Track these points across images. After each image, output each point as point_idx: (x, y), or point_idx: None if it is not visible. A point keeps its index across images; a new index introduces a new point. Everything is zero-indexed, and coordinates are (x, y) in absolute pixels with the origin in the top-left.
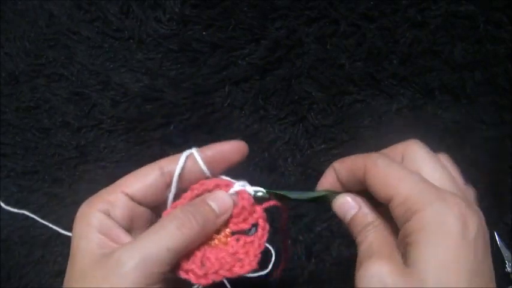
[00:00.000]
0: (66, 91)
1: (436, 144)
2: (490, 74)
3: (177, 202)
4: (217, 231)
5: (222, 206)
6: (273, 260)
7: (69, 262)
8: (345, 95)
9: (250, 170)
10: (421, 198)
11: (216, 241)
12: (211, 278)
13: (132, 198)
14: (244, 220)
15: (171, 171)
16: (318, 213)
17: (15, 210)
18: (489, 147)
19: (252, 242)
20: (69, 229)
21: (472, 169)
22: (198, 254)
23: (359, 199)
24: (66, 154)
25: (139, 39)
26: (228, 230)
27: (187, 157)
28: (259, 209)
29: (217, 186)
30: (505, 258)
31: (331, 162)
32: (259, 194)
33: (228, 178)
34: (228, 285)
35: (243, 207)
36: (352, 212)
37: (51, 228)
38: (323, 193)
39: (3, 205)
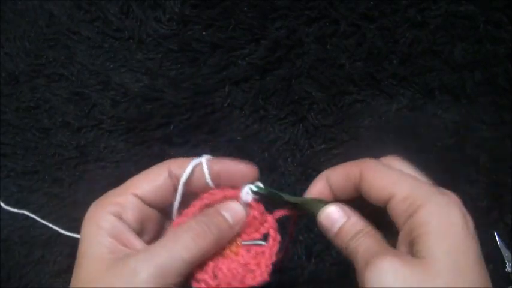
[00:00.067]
0: (66, 91)
1: (435, 144)
2: (490, 74)
3: (187, 210)
4: (229, 241)
5: (235, 216)
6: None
7: (76, 265)
8: (345, 95)
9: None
10: (423, 193)
11: (227, 251)
12: None
13: (142, 200)
14: (256, 230)
15: (178, 175)
16: None
17: (15, 210)
18: (489, 147)
19: (263, 252)
20: (69, 229)
21: (472, 169)
22: (211, 264)
23: (347, 209)
24: (66, 154)
25: (139, 39)
26: (239, 240)
27: (195, 166)
28: (270, 218)
29: (226, 198)
30: (505, 258)
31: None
32: (255, 188)
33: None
34: None
35: (254, 217)
36: (342, 220)
37: (51, 228)
38: (309, 199)
39: (3, 205)
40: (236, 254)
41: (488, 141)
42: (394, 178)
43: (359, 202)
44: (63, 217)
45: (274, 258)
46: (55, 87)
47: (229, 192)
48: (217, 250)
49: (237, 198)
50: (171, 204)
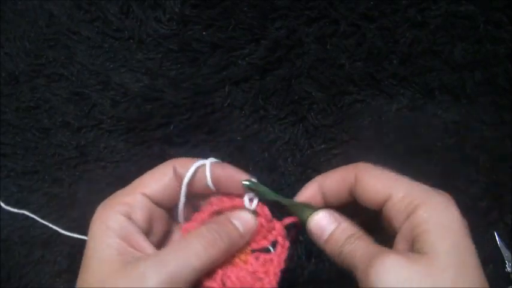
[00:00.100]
0: (66, 91)
1: (435, 144)
2: (490, 74)
3: (196, 215)
4: (238, 250)
5: (246, 226)
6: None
7: (84, 266)
8: (345, 95)
9: (250, 170)
10: (421, 193)
11: (236, 259)
12: None
13: (150, 199)
14: (264, 237)
15: (182, 174)
16: None
17: (15, 210)
18: (489, 147)
19: (271, 260)
20: (69, 229)
21: (472, 169)
22: (220, 272)
23: (337, 215)
24: (66, 154)
25: (139, 39)
26: (248, 248)
27: (198, 167)
28: (278, 226)
29: (235, 206)
30: (505, 258)
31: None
32: (247, 183)
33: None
34: None
35: (261, 224)
36: (332, 227)
37: (51, 228)
38: (298, 203)
39: (3, 205)
40: (245, 262)
41: (488, 141)
42: (390, 179)
43: (350, 209)
44: (63, 217)
45: (282, 266)
46: (55, 87)
47: (239, 200)
48: (227, 258)
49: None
50: (177, 205)
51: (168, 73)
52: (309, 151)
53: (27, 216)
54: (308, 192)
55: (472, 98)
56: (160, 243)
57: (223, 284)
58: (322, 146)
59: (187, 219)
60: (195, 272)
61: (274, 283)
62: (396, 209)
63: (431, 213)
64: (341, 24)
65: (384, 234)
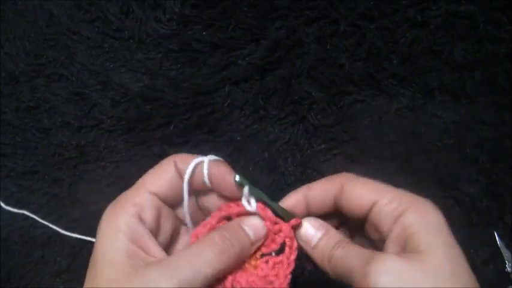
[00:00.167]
0: (66, 91)
1: (435, 144)
2: (490, 74)
3: (206, 221)
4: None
5: (257, 233)
6: None
7: (92, 269)
8: (345, 95)
9: (250, 170)
10: (406, 198)
11: (246, 265)
12: None
13: (158, 197)
14: (272, 241)
15: (183, 170)
16: None
17: (15, 210)
18: (489, 147)
19: (280, 262)
20: (69, 229)
21: (472, 169)
22: (230, 278)
23: (323, 222)
24: (66, 154)
25: (139, 39)
26: (258, 253)
27: (197, 163)
28: (285, 227)
29: (243, 212)
30: (505, 258)
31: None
32: (238, 178)
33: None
34: None
35: (268, 228)
36: (320, 233)
37: (51, 228)
38: (281, 208)
39: (3, 205)
40: (255, 267)
41: (488, 141)
42: (375, 186)
43: (331, 222)
44: (63, 217)
45: (292, 267)
46: (55, 87)
47: (243, 209)
48: (237, 264)
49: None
50: (182, 205)
51: (168, 73)
52: (309, 151)
53: (27, 216)
54: (291, 201)
55: (472, 98)
56: (168, 244)
57: None
58: (322, 146)
59: (194, 219)
60: (206, 279)
61: (285, 285)
62: (384, 213)
63: (420, 216)
64: (341, 24)
65: (366, 244)
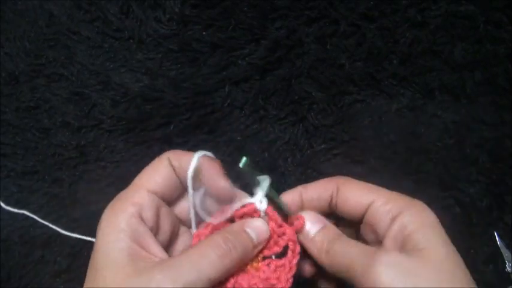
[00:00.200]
0: (66, 91)
1: (435, 144)
2: (490, 74)
3: (208, 222)
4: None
5: (260, 235)
6: None
7: (93, 269)
8: (345, 95)
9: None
10: (401, 199)
11: (248, 266)
12: None
13: (156, 194)
14: (275, 243)
15: (176, 166)
16: None
17: (15, 210)
18: (489, 147)
19: (283, 265)
20: (69, 229)
21: (472, 169)
22: (231, 280)
23: (322, 217)
24: (66, 154)
25: (139, 39)
26: (260, 255)
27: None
28: (289, 231)
29: (246, 213)
30: (505, 258)
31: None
32: (243, 162)
33: (244, 200)
34: None
35: (272, 230)
36: (318, 226)
37: (51, 228)
38: (280, 200)
39: (3, 205)
40: (257, 269)
41: (488, 141)
42: (371, 188)
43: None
44: (63, 217)
45: (294, 270)
46: (55, 87)
47: (249, 207)
48: (239, 266)
49: (256, 209)
50: (178, 198)
51: (168, 73)
52: (309, 151)
53: (27, 216)
54: (287, 200)
55: (472, 98)
56: (168, 243)
57: None
58: (322, 146)
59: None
60: (209, 282)
61: None
62: (380, 213)
63: (417, 216)
64: (341, 24)
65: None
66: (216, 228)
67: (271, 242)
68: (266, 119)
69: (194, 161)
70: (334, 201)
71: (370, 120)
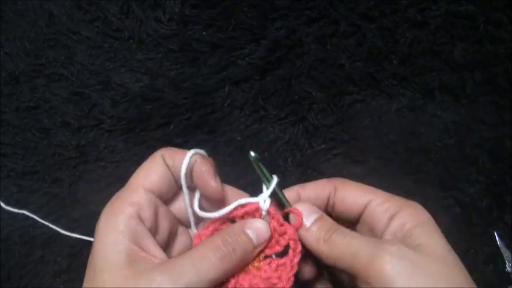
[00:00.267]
0: (66, 91)
1: (435, 144)
2: (490, 74)
3: (209, 223)
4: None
5: (260, 236)
6: None
7: (92, 271)
8: (345, 95)
9: (250, 169)
10: (397, 199)
11: (249, 266)
12: None
13: (153, 193)
14: (277, 242)
15: (170, 164)
16: None
17: (15, 210)
18: (489, 147)
19: (284, 264)
20: (69, 229)
21: (472, 169)
22: (232, 281)
23: (316, 208)
24: (66, 154)
25: (139, 39)
26: (261, 255)
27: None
28: (290, 230)
29: (247, 213)
30: (505, 258)
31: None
32: (253, 154)
33: (244, 199)
34: None
35: (274, 228)
36: (315, 215)
37: (51, 228)
38: (281, 192)
39: (3, 205)
40: (258, 269)
41: (488, 141)
42: (367, 189)
43: None
44: (63, 217)
45: (295, 269)
46: (55, 87)
47: (250, 206)
48: (241, 267)
49: (257, 209)
50: (174, 196)
51: (168, 73)
52: (309, 151)
53: (27, 216)
54: (291, 195)
55: (472, 98)
56: (166, 244)
57: None
58: (322, 146)
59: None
60: (209, 284)
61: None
62: (378, 212)
63: (415, 214)
64: (341, 24)
65: None
66: (217, 228)
67: (273, 241)
68: (266, 119)
69: (186, 160)
70: (331, 201)
71: (370, 120)
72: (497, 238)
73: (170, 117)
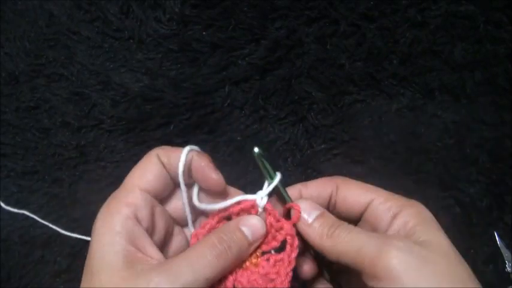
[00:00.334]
0: (66, 91)
1: (435, 144)
2: (490, 74)
3: (206, 221)
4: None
5: (255, 233)
6: None
7: (89, 273)
8: (345, 95)
9: (250, 169)
10: (400, 198)
11: (247, 263)
12: None
13: (149, 193)
14: (273, 238)
15: (165, 163)
16: None
17: (15, 210)
18: (489, 147)
19: (281, 260)
20: (69, 229)
21: (472, 169)
22: (230, 278)
23: (317, 205)
24: (66, 154)
25: (139, 39)
26: (259, 251)
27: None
28: (287, 225)
29: (243, 210)
30: (505, 258)
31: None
32: (257, 150)
33: (243, 196)
34: None
35: (271, 224)
36: (317, 212)
37: (51, 228)
38: (284, 189)
39: (3, 205)
40: (256, 265)
41: (488, 141)
42: (369, 187)
43: None
44: (63, 217)
45: (293, 264)
46: (55, 87)
47: (246, 203)
48: (237, 263)
49: (253, 206)
50: (170, 195)
51: (168, 73)
52: (309, 151)
53: (27, 216)
54: (293, 193)
55: (472, 98)
56: (163, 244)
57: None
58: (322, 146)
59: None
60: (206, 282)
61: (286, 283)
62: (381, 211)
63: (417, 212)
64: (341, 24)
65: None
66: (213, 227)
67: (269, 237)
68: (266, 119)
69: (183, 156)
70: (333, 200)
71: (370, 120)
72: (497, 238)
73: (170, 117)
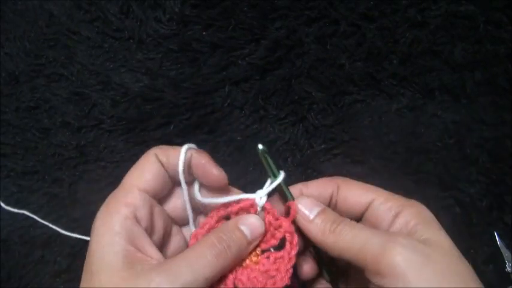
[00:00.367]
0: (66, 91)
1: (435, 144)
2: (490, 74)
3: (205, 221)
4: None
5: (254, 231)
6: None
7: (89, 273)
8: (345, 95)
9: (250, 169)
10: (400, 198)
11: (247, 261)
12: None
13: (148, 193)
14: (272, 236)
15: (163, 162)
16: None
17: (15, 210)
18: (489, 147)
19: (281, 257)
20: (69, 229)
21: (472, 169)
22: (231, 277)
23: (318, 201)
24: (66, 154)
25: (139, 39)
26: (258, 249)
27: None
28: (285, 223)
29: (242, 209)
30: (505, 258)
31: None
32: (261, 147)
33: (243, 194)
34: None
35: (269, 222)
36: (319, 208)
37: (51, 228)
38: (287, 188)
39: (3, 205)
40: (256, 263)
41: (488, 141)
42: (370, 188)
43: None
44: (63, 217)
45: (293, 261)
46: (55, 87)
47: (245, 202)
48: (237, 262)
49: (252, 205)
50: (169, 194)
51: (168, 73)
52: (309, 151)
53: (27, 216)
54: (294, 192)
55: (472, 98)
56: (162, 244)
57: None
58: (322, 146)
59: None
60: (206, 282)
61: (286, 279)
62: (382, 211)
63: (418, 212)
64: (341, 24)
65: None
66: (212, 227)
67: (268, 235)
68: (266, 119)
69: (182, 154)
70: (334, 200)
71: (370, 120)
72: (497, 238)
73: (170, 117)
